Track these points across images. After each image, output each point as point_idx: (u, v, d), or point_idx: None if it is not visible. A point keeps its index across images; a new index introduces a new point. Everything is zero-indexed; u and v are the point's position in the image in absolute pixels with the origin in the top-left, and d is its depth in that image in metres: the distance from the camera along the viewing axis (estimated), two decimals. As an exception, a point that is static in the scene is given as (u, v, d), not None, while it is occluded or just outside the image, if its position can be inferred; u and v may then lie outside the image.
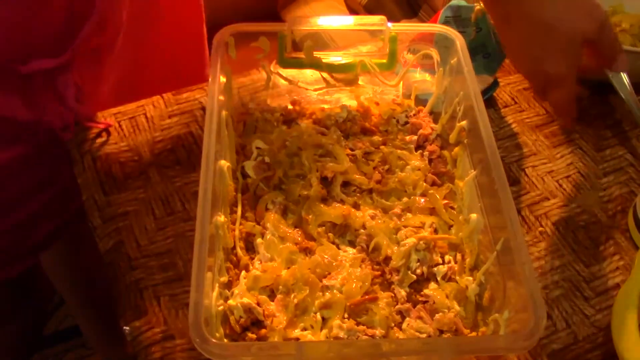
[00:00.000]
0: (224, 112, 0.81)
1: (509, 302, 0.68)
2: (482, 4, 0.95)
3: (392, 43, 0.89)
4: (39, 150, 0.74)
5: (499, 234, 0.71)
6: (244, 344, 0.66)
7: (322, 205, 0.82)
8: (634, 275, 0.71)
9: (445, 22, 0.96)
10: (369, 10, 1.72)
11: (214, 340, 0.58)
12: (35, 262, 0.79)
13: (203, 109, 1.01)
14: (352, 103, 0.93)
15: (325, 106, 0.93)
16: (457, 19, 0.96)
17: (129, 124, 0.99)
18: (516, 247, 0.67)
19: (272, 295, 0.73)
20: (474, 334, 0.72)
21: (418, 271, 0.77)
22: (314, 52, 0.89)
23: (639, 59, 1.00)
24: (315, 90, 0.94)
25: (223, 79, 0.82)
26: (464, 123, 0.83)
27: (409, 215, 0.82)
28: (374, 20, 0.90)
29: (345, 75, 0.92)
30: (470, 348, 0.63)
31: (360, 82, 0.93)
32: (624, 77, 0.96)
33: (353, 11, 1.80)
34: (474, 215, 0.78)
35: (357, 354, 0.62)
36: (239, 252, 0.76)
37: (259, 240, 0.78)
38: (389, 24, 0.88)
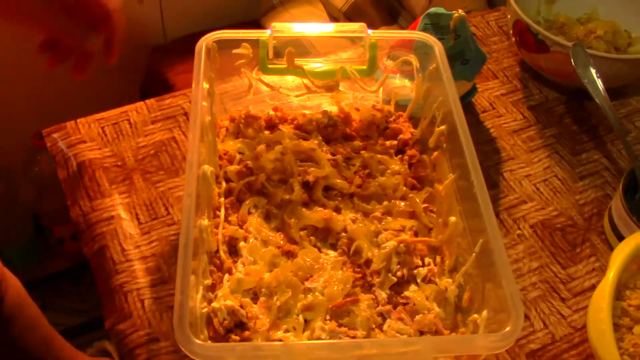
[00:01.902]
0: (207, 118, 0.82)
1: (488, 304, 0.70)
2: (461, 12, 0.97)
3: (372, 50, 0.91)
4: None
5: (477, 236, 0.73)
6: (228, 345, 0.67)
7: (303, 210, 0.83)
8: (608, 275, 0.73)
9: (424, 29, 0.97)
10: (349, 17, 1.73)
11: (198, 341, 0.59)
12: None
13: (186, 114, 1.02)
14: (333, 109, 0.94)
15: (307, 112, 0.94)
16: (436, 26, 0.97)
17: (112, 130, 1.00)
18: (495, 250, 0.69)
19: (255, 298, 0.75)
20: (453, 334, 0.73)
21: (398, 273, 0.78)
22: (295, 59, 0.90)
23: (613, 64, 1.03)
24: (297, 96, 0.95)
25: (206, 85, 0.83)
26: (443, 128, 0.85)
27: (389, 218, 0.84)
28: (354, 27, 0.91)
29: (326, 81, 0.93)
30: (448, 347, 0.64)
31: (341, 88, 0.94)
32: (599, 82, 0.98)
33: (333, 18, 1.82)
34: (453, 218, 0.79)
35: (339, 355, 0.63)
36: (223, 255, 0.77)
37: (242, 243, 0.79)
38: (369, 31, 0.90)
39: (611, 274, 0.73)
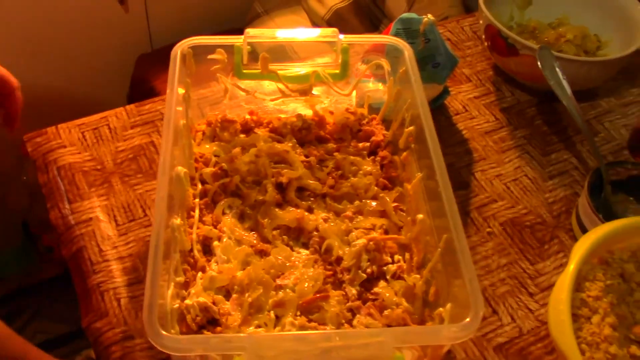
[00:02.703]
0: (181, 122, 0.84)
1: (453, 298, 0.72)
2: (430, 16, 1.00)
3: (344, 54, 0.93)
4: None
5: (443, 234, 0.75)
6: (196, 337, 0.69)
7: (277, 210, 0.85)
8: (568, 268, 0.75)
9: (397, 34, 1.00)
10: (331, 25, 1.75)
11: (165, 334, 0.61)
12: None
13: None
14: (307, 112, 0.97)
15: (282, 116, 0.97)
16: (407, 30, 1.00)
17: (92, 135, 1.02)
18: (459, 247, 0.71)
19: (227, 295, 0.77)
20: (415, 326, 0.75)
21: (368, 270, 0.81)
22: (270, 64, 0.93)
23: (581, 67, 1.05)
24: (272, 100, 0.97)
25: (182, 91, 0.86)
26: (411, 128, 0.87)
27: (360, 217, 0.86)
28: (327, 33, 0.94)
29: (300, 85, 0.96)
30: (410, 338, 0.66)
31: (315, 92, 0.97)
32: (565, 84, 1.01)
33: (316, 26, 1.84)
34: (420, 216, 0.81)
35: (305, 347, 0.65)
36: (197, 254, 0.80)
37: (215, 243, 0.82)
38: (341, 36, 0.92)
39: (571, 267, 0.75)
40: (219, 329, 0.74)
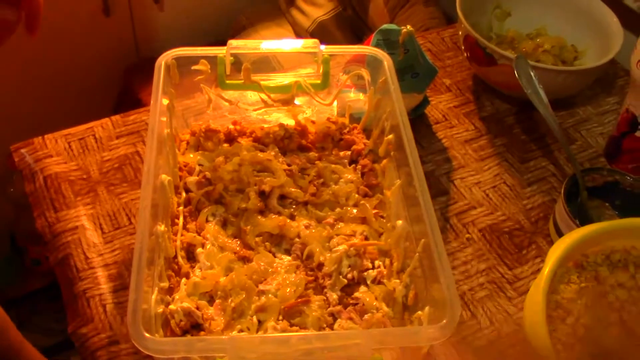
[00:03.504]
0: (165, 131, 0.86)
1: (432, 301, 0.74)
2: (409, 27, 1.02)
3: (325, 64, 0.95)
4: None
5: (422, 239, 0.77)
6: (178, 339, 0.70)
7: (259, 217, 0.87)
8: (543, 271, 0.77)
9: (377, 45, 1.02)
10: (315, 37, 1.78)
11: (149, 336, 0.62)
12: None
13: (150, 129, 1.06)
14: (290, 122, 0.99)
15: (265, 125, 0.99)
16: (387, 41, 1.02)
17: (78, 145, 1.04)
18: (436, 251, 0.73)
19: (211, 301, 0.79)
20: (392, 328, 0.77)
21: (349, 276, 0.82)
22: (252, 75, 0.95)
23: (557, 76, 1.08)
24: (255, 110, 0.99)
25: (166, 101, 0.87)
26: (390, 137, 0.89)
27: (341, 224, 0.88)
28: (309, 44, 0.96)
29: (282, 95, 0.98)
30: (387, 340, 0.68)
31: (298, 102, 0.99)
32: (542, 92, 1.03)
33: (300, 38, 1.87)
34: (399, 222, 0.83)
35: (285, 349, 0.67)
36: (180, 260, 0.81)
37: (199, 249, 0.83)
38: (322, 47, 0.94)
39: (546, 270, 0.77)
40: (202, 333, 0.75)
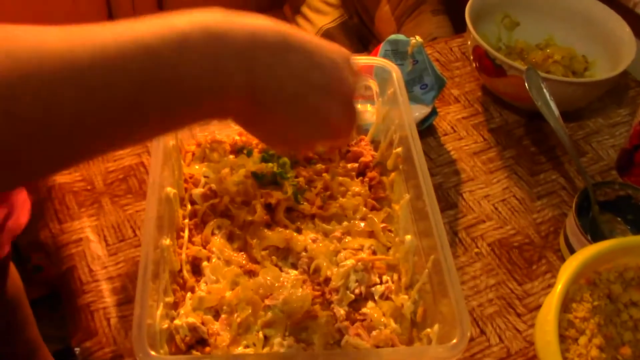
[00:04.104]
0: (171, 142, 0.85)
1: (441, 318, 0.72)
2: (418, 38, 1.01)
3: (333, 75, 0.94)
4: None
5: (431, 254, 0.76)
6: (183, 357, 0.69)
7: (266, 230, 0.86)
8: (555, 289, 0.75)
9: (385, 55, 1.01)
10: (321, 45, 1.77)
11: (154, 354, 0.61)
12: None
13: (155, 140, 1.05)
14: (297, 133, 0.97)
15: (272, 136, 0.97)
16: (395, 52, 1.01)
17: (82, 155, 1.02)
18: (446, 267, 0.72)
19: (216, 316, 0.77)
20: (404, 347, 0.76)
21: (357, 291, 0.81)
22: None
23: (568, 87, 1.07)
24: (262, 121, 0.97)
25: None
26: (399, 150, 0.88)
27: (348, 238, 0.87)
28: (316, 54, 0.94)
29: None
30: (399, 358, 0.67)
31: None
32: (552, 104, 1.02)
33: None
34: (408, 237, 0.82)
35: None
36: (186, 274, 0.80)
37: (205, 263, 0.82)
38: (329, 57, 0.93)
39: (558, 288, 0.75)
40: (207, 349, 0.74)
